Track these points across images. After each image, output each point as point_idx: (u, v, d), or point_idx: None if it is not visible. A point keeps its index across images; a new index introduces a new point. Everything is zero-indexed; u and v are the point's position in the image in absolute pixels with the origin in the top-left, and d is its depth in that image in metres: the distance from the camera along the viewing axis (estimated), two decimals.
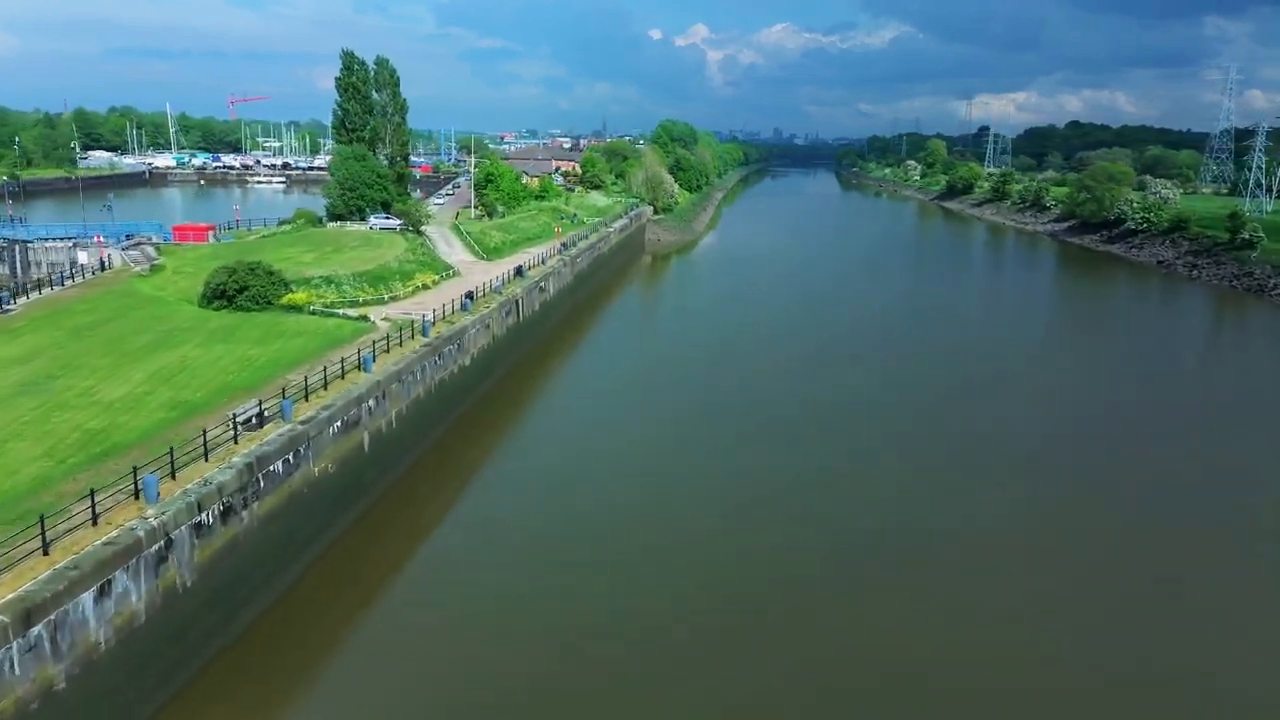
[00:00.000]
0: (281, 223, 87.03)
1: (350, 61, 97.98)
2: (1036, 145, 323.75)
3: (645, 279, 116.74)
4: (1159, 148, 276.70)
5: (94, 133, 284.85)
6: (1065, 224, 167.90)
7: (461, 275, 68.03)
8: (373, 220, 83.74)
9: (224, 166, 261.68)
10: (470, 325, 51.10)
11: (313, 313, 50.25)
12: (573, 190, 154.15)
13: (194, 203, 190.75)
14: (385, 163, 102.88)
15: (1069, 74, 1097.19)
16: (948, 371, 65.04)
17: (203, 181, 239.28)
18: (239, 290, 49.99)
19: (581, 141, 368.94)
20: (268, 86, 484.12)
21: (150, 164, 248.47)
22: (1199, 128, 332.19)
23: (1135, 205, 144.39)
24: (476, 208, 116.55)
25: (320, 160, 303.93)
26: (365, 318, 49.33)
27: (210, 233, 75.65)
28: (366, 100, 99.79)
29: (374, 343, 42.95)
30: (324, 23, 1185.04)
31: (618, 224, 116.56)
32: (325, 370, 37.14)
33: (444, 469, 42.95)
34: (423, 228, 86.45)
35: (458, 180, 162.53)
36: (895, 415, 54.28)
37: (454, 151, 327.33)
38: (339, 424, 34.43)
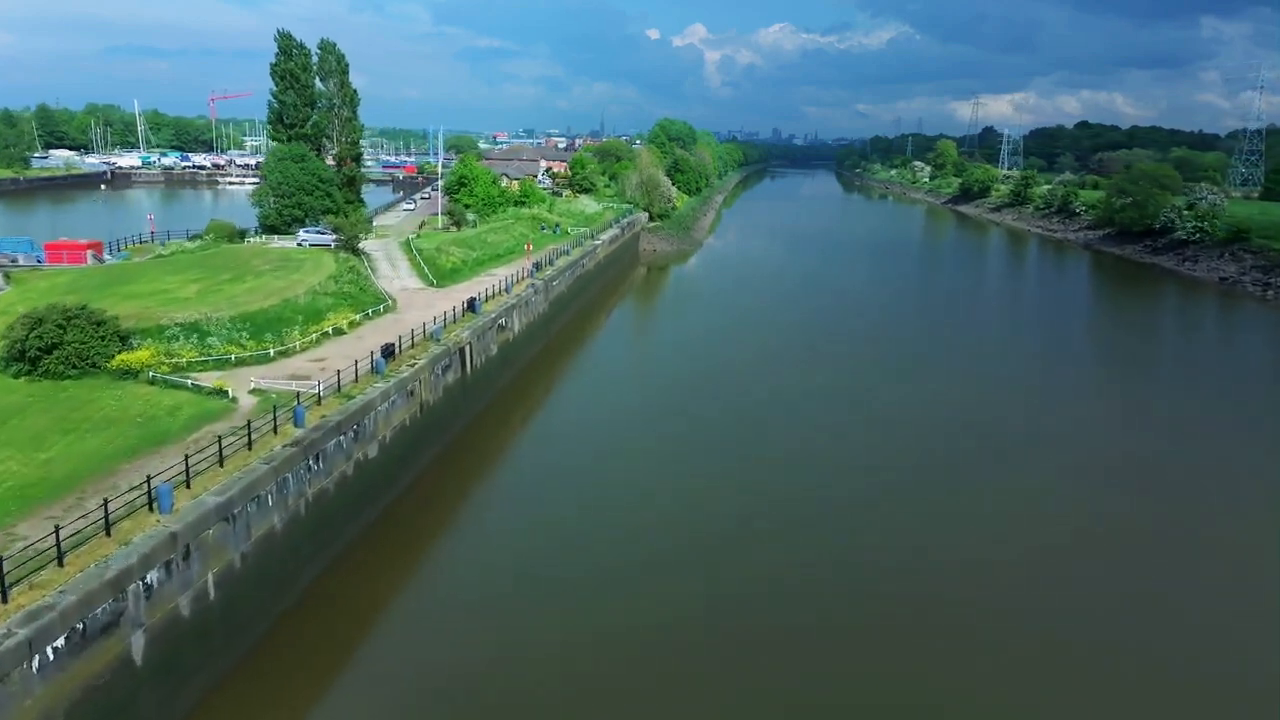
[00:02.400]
0: (192, 237, 71.67)
1: (287, 44, 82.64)
2: (1044, 146, 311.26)
3: (639, 300, 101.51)
4: (1183, 149, 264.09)
5: (58, 131, 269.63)
6: (1100, 232, 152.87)
7: (397, 310, 52.81)
8: (302, 235, 68.50)
9: (194, 167, 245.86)
10: (379, 398, 35.88)
11: (154, 381, 35.06)
12: (560, 195, 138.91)
13: (153, 205, 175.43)
14: (332, 164, 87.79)
15: (1066, 75, 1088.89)
16: (999, 427, 49.95)
17: (166, 183, 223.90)
18: (47, 349, 34.78)
19: (577, 141, 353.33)
20: (261, 85, 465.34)
21: (113, 164, 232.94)
22: (1193, 129, 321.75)
23: (1187, 213, 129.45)
24: (444, 215, 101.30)
25: None
26: (222, 391, 34.04)
27: (90, 251, 60.35)
28: (308, 91, 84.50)
29: (219, 437, 27.80)
30: (319, 20, 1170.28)
31: (607, 234, 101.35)
32: (106, 506, 22.06)
33: (302, 663, 27.41)
34: (364, 243, 71.28)
35: (437, 183, 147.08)
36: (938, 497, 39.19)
37: (442, 151, 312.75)
38: (69, 638, 19.26)
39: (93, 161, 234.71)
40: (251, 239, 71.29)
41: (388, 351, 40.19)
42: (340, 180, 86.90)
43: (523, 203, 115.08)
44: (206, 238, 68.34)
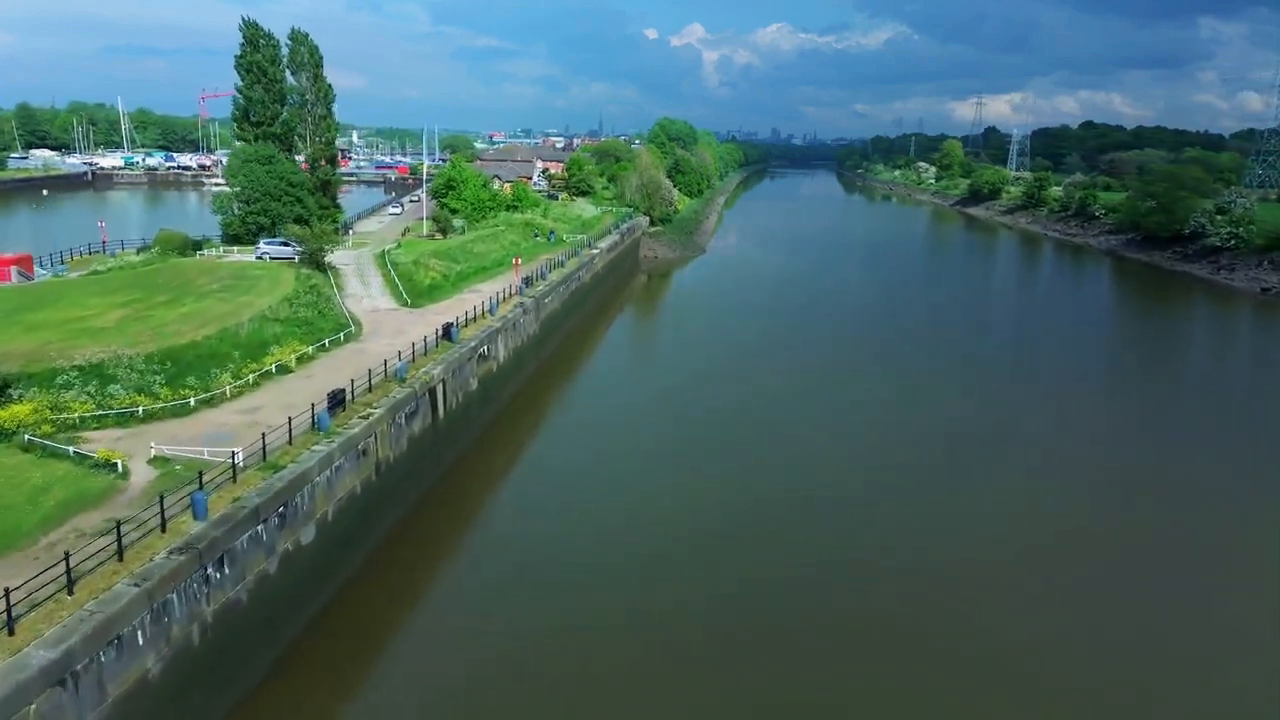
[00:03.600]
0: (141, 249, 64.06)
1: (254, 35, 74.99)
2: (1049, 147, 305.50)
3: (640, 313, 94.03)
4: (1197, 149, 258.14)
5: (40, 130, 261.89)
6: (1123, 237, 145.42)
7: (360, 339, 45.29)
8: (262, 247, 61.00)
9: (179, 167, 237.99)
10: (319, 465, 28.37)
11: (28, 446, 27.53)
12: (555, 198, 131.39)
13: (135, 208, 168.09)
14: (306, 166, 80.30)
15: (1065, 75, 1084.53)
16: (1026, 450, 42.55)
17: (149, 184, 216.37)
18: None
19: (575, 141, 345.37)
20: None
21: (95, 164, 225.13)
22: (1190, 129, 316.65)
23: (1220, 218, 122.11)
24: (429, 222, 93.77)
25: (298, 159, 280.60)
26: (110, 464, 26.49)
27: (15, 267, 52.75)
28: (277, 86, 76.88)
29: (93, 535, 20.34)
30: (316, 20, 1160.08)
31: (605, 242, 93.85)
32: None
33: None
34: (337, 254, 63.82)
35: (425, 186, 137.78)
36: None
37: (437, 151, 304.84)
38: None
39: (73, 162, 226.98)
40: (205, 252, 63.69)
41: (336, 400, 32.67)
42: (314, 184, 79.45)
43: (515, 207, 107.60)
44: (152, 250, 60.71)
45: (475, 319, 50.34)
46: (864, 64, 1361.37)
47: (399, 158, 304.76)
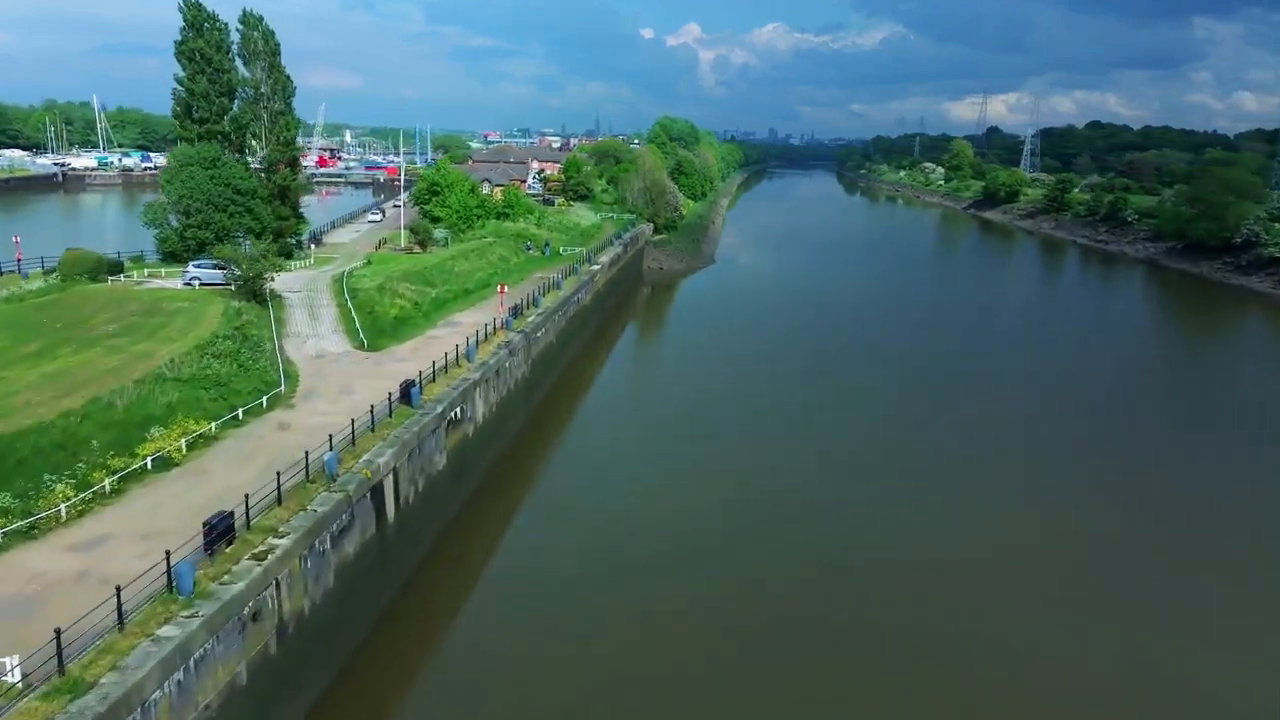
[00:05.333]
0: (48, 272, 52.85)
1: (196, 17, 63.92)
2: (1056, 147, 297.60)
3: (644, 337, 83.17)
4: (1218, 150, 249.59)
5: (11, 129, 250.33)
6: (1163, 245, 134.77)
7: (291, 404, 34.26)
8: (191, 271, 50.01)
9: (155, 168, 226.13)
10: (159, 670, 17.47)
11: None
12: (551, 203, 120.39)
13: (109, 212, 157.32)
14: (260, 170, 69.40)
15: (1060, 75, 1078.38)
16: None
17: (124, 185, 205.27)
18: None
19: (572, 141, 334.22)
20: None
21: (66, 165, 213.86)
22: (1185, 129, 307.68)
23: (1277, 226, 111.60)
24: (408, 232, 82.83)
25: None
26: None
27: None
28: (224, 76, 65.95)
29: None
30: (311, 19, 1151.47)
31: (607, 255, 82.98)
32: None
33: None
34: (289, 276, 52.92)
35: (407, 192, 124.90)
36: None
37: (429, 151, 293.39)
38: None
39: (43, 163, 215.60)
40: (123, 276, 52.58)
41: (218, 530, 21.74)
42: (270, 191, 68.57)
43: (506, 214, 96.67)
44: (51, 277, 49.61)
45: (448, 368, 39.45)
46: (860, 64, 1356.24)
47: (391, 158, 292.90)
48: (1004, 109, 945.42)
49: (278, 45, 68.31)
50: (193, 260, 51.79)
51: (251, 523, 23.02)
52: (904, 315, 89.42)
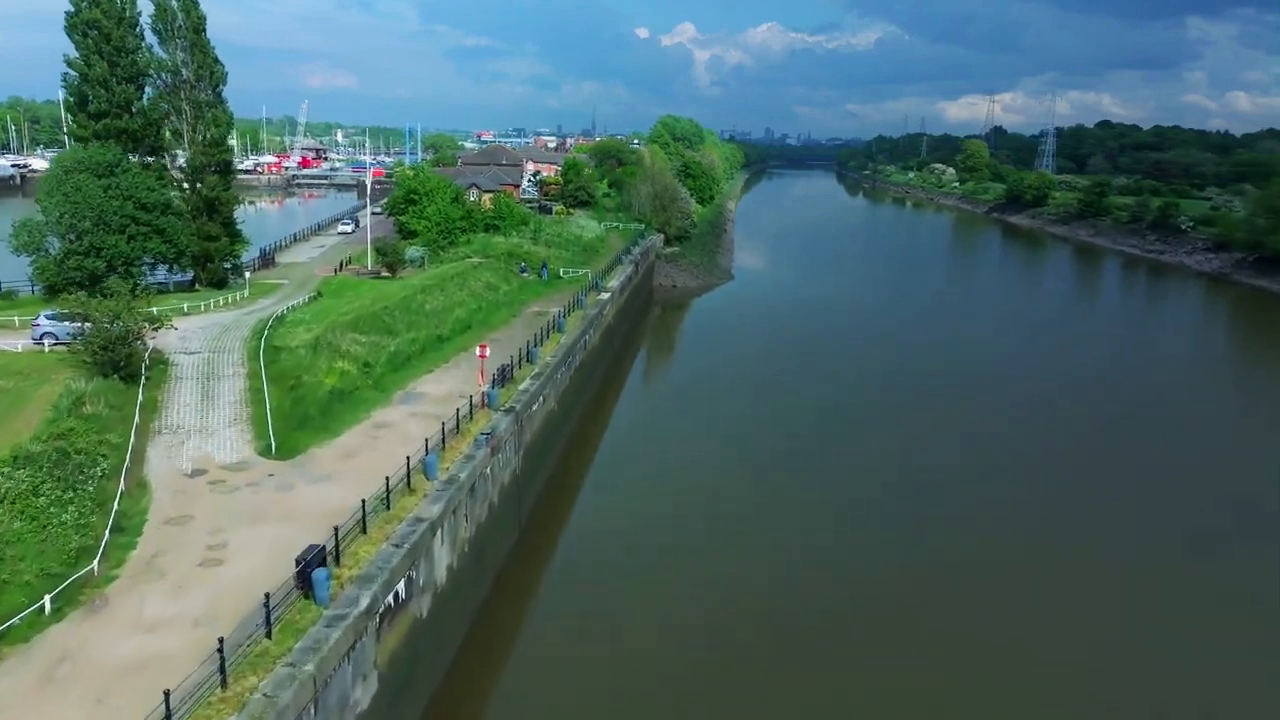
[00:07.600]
0: None
1: None
2: (1067, 147, 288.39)
3: (657, 375, 68.74)
4: (1246, 151, 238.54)
5: None
6: (1229, 256, 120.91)
7: (104, 600, 19.73)
8: (42, 325, 35.53)
9: None
10: None
11: None
12: (549, 210, 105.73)
13: None
14: (179, 178, 54.87)
15: (1054, 75, 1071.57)
16: None
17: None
18: None
19: (569, 141, 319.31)
20: (248, 82, 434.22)
21: (26, 166, 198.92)
22: (1182, 129, 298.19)
23: None
24: (374, 253, 68.31)
25: (266, 158, 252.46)
26: None
27: None
28: (129, 58, 51.45)
29: None
30: (306, 19, 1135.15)
31: (617, 279, 68.61)
32: None
33: None
34: (202, 319, 38.26)
35: (381, 200, 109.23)
36: None
37: (420, 151, 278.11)
38: None
39: (1, 164, 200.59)
40: None
41: None
42: (194, 205, 54.05)
43: (496, 226, 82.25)
44: None
45: (395, 491, 25.02)
46: (855, 64, 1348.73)
47: (381, 158, 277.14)
48: (999, 109, 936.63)
49: (202, 18, 53.66)
50: (44, 310, 37.23)
51: None
52: (965, 350, 74.95)
